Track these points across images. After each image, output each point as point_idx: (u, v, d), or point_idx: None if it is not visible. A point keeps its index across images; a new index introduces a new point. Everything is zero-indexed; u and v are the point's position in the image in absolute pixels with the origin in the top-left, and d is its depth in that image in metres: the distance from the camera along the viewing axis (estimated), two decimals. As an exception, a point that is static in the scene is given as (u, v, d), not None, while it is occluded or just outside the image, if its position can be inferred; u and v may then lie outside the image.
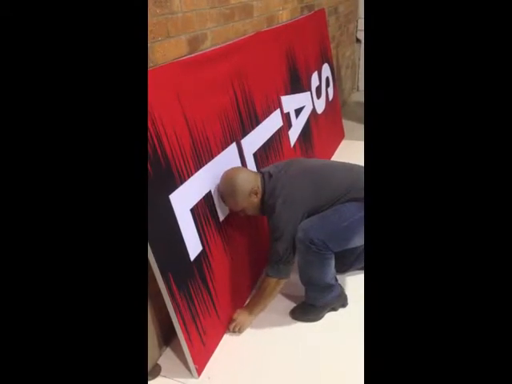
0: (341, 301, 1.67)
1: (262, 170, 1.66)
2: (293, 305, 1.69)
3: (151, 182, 1.25)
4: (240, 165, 1.75)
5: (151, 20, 1.30)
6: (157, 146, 1.28)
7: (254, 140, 1.88)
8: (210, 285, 1.51)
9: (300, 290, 1.65)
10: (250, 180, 1.56)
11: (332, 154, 3.04)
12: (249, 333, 1.59)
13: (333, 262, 1.56)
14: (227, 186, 1.55)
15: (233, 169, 1.60)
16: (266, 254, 1.93)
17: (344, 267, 1.84)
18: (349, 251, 1.71)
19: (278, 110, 2.13)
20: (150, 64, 1.32)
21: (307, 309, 1.64)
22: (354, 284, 1.80)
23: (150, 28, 1.30)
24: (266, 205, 1.56)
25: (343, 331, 1.57)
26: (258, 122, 1.91)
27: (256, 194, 1.56)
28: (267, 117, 2.00)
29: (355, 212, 1.48)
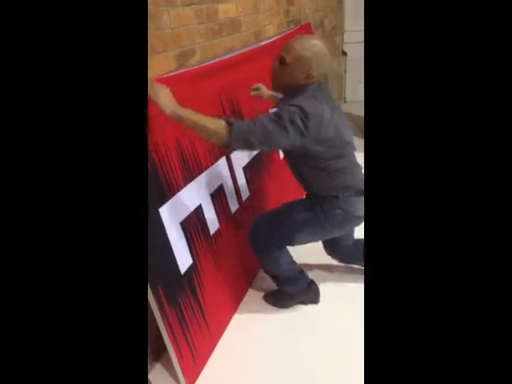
0: (310, 296, 1.73)
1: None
2: (283, 321, 1.69)
3: (140, 196, 1.25)
4: (230, 180, 1.76)
5: (140, 36, 1.32)
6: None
7: (244, 153, 1.89)
8: (201, 298, 1.50)
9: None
10: (324, 67, 1.39)
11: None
12: (240, 346, 1.58)
13: (282, 256, 1.62)
14: (306, 46, 1.35)
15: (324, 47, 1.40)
16: (255, 267, 1.94)
17: (352, 260, 1.86)
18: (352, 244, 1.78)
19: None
20: (138, 79, 1.33)
21: (277, 295, 1.75)
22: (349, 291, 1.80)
23: (138, 44, 1.32)
24: (291, 98, 1.37)
25: (344, 357, 1.53)
26: (246, 135, 1.92)
27: (308, 78, 1.36)
28: (256, 130, 2.02)
29: (304, 210, 1.53)
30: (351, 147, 1.50)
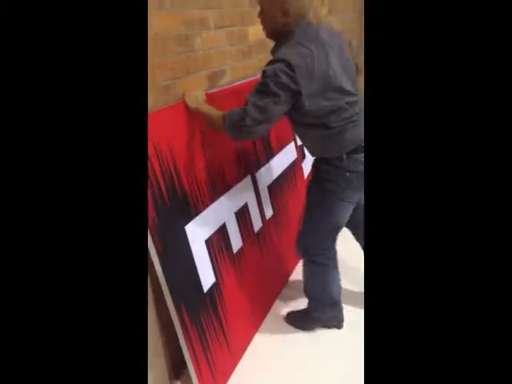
0: (334, 321, 1.69)
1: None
2: (305, 343, 1.67)
3: (168, 213, 1.27)
4: (254, 198, 1.77)
5: (172, 58, 1.36)
6: (174, 177, 1.32)
7: (269, 173, 1.90)
8: (222, 317, 1.50)
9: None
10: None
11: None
12: (261, 367, 1.56)
13: (334, 277, 1.60)
14: None
15: None
16: (278, 286, 1.93)
17: None
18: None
19: (292, 143, 2.17)
20: (171, 100, 1.37)
21: (302, 317, 1.70)
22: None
23: (170, 66, 1.36)
24: (278, 47, 1.31)
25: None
26: (272, 155, 1.94)
27: (287, 15, 1.27)
28: (281, 150, 2.04)
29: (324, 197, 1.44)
30: (352, 96, 1.34)
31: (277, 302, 1.89)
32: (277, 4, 1.27)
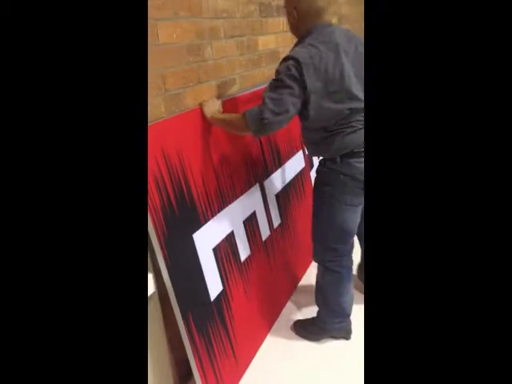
0: (342, 332, 1.69)
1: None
2: (312, 355, 1.65)
3: (177, 221, 1.28)
4: (262, 207, 1.77)
5: (184, 67, 1.38)
6: (183, 185, 1.32)
7: (277, 181, 1.90)
8: (229, 326, 1.50)
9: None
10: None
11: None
12: (267, 378, 1.55)
13: (348, 288, 1.60)
14: None
15: None
16: (285, 295, 1.92)
17: None
18: None
19: (301, 152, 2.17)
20: (181, 108, 1.38)
21: (310, 327, 1.70)
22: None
23: (182, 75, 1.37)
24: (293, 47, 1.38)
25: None
26: (280, 164, 1.94)
27: (298, 14, 1.34)
28: (290, 158, 2.04)
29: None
30: (359, 102, 1.35)
31: (284, 311, 1.88)
32: (292, 5, 1.35)
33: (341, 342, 1.69)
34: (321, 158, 1.50)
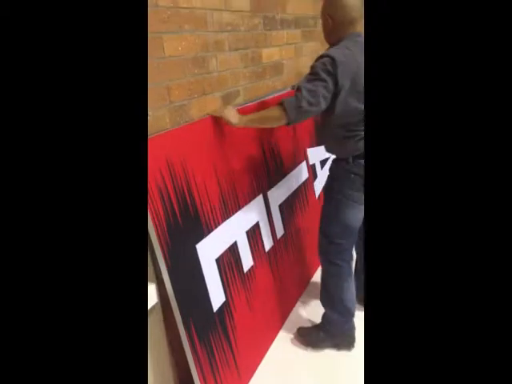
0: (346, 341, 1.71)
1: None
2: (316, 367, 1.64)
3: (180, 232, 1.28)
4: (266, 217, 1.77)
5: (189, 79, 1.40)
6: (187, 196, 1.33)
7: (281, 192, 1.91)
8: (231, 337, 1.49)
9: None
10: (342, 8, 1.43)
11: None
12: (268, 390, 1.54)
13: (349, 284, 1.66)
14: None
15: None
16: (289, 306, 1.91)
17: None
18: None
19: (304, 162, 2.18)
20: (186, 120, 1.39)
21: (313, 334, 1.74)
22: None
23: (187, 87, 1.39)
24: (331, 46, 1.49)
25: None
26: (284, 174, 1.95)
27: (332, 22, 1.45)
28: (294, 169, 2.05)
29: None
30: None
31: (287, 322, 1.87)
32: (325, 14, 1.47)
33: (344, 355, 1.67)
34: (334, 157, 1.62)
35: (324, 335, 1.71)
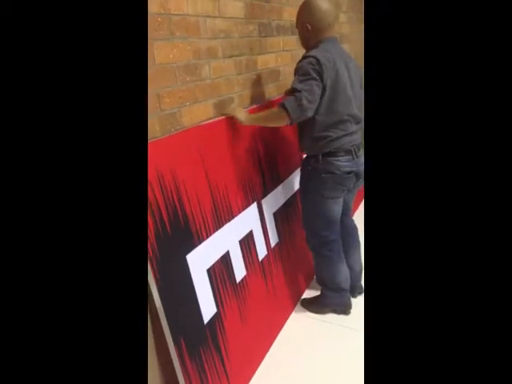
0: (342, 306, 1.89)
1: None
2: (309, 378, 1.61)
3: (169, 242, 1.25)
4: (259, 226, 1.75)
5: (180, 87, 1.37)
6: (177, 205, 1.30)
7: (275, 199, 1.88)
8: (223, 350, 1.46)
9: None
10: (318, 17, 1.55)
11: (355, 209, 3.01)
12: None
13: (339, 268, 1.80)
14: (301, 6, 1.61)
15: None
16: (283, 316, 1.88)
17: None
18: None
19: (299, 170, 2.15)
20: (177, 128, 1.37)
21: (314, 302, 1.94)
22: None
23: (179, 94, 1.37)
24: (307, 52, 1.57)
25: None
26: (279, 182, 1.92)
27: (308, 30, 1.58)
28: (289, 175, 2.02)
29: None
30: (353, 119, 1.59)
31: (282, 333, 1.84)
32: (301, 23, 1.59)
33: (341, 363, 1.64)
34: (305, 155, 1.71)
35: (322, 305, 1.91)
